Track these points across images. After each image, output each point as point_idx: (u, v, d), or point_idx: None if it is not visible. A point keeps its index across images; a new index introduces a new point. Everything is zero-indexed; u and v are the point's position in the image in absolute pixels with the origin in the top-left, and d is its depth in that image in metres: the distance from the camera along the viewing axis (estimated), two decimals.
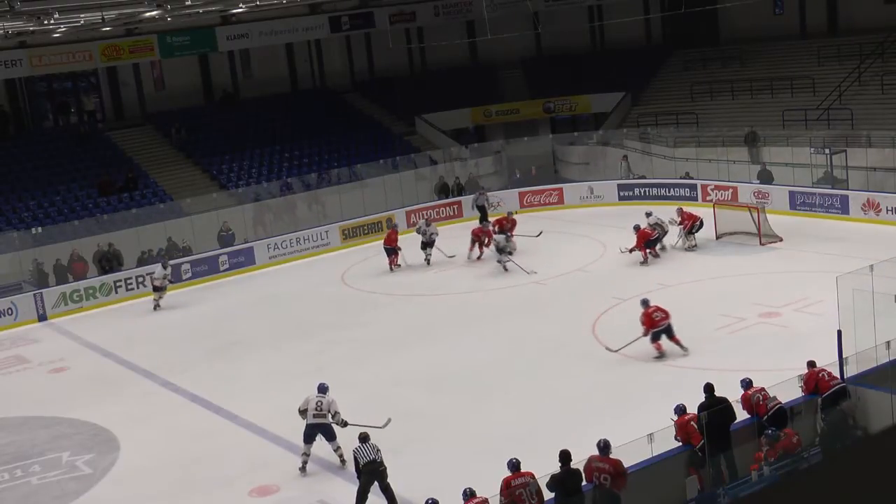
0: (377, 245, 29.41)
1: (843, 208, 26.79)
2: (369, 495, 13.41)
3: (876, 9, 34.78)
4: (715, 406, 12.81)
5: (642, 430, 12.47)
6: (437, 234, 27.16)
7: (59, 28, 29.83)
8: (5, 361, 22.83)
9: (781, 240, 24.95)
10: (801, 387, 13.55)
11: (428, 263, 26.87)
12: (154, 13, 29.67)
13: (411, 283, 25.63)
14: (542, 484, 11.60)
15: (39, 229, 29.07)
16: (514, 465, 11.84)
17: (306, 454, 15.04)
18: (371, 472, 13.36)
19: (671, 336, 17.99)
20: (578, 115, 40.08)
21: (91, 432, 17.66)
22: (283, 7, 35.05)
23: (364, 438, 13.71)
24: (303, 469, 15.05)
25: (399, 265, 26.94)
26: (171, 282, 25.88)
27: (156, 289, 25.65)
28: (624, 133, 36.18)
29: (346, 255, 29.53)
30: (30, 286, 26.88)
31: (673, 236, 25.53)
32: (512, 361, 18.90)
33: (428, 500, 11.33)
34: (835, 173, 28.45)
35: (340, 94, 40.01)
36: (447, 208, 32.85)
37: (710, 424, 12.41)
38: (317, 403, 15.04)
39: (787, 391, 13.35)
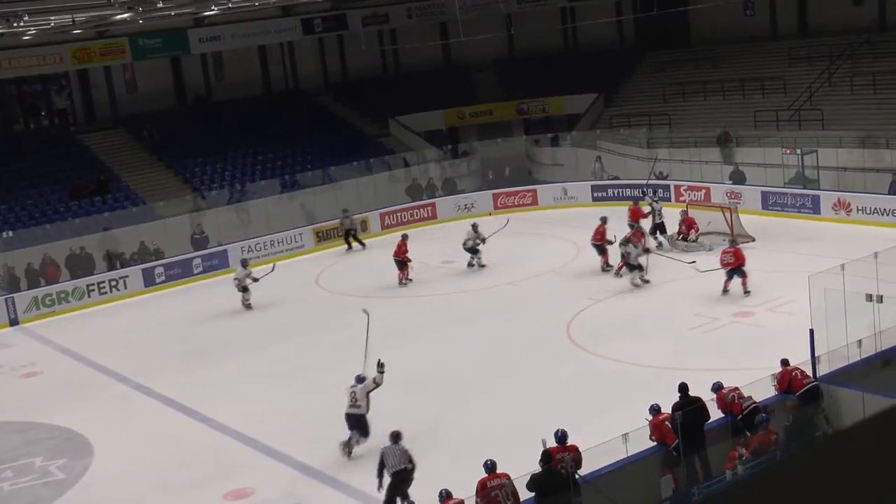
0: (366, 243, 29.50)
1: (814, 208, 27.05)
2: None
3: (845, 10, 35.12)
4: (689, 406, 12.88)
5: (617, 430, 12.52)
6: (481, 242, 25.96)
7: (30, 30, 29.60)
8: None
9: (754, 240, 25.12)
10: (775, 385, 13.66)
11: (475, 266, 25.85)
12: (125, 16, 29.52)
13: (387, 286, 25.58)
14: (519, 485, 11.63)
15: (10, 233, 28.82)
16: (490, 467, 11.86)
17: (354, 440, 15.10)
18: (402, 480, 13.08)
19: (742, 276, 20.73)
20: (552, 117, 40.19)
21: (64, 437, 17.54)
22: (255, 9, 34.95)
23: (396, 438, 13.40)
24: (348, 454, 15.07)
25: (410, 279, 25.51)
26: (254, 280, 24.62)
27: (243, 289, 24.58)
28: (597, 134, 36.34)
29: (320, 258, 29.47)
30: (1, 290, 26.64)
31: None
32: (488, 362, 18.93)
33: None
34: (806, 173, 28.71)
35: (313, 96, 39.92)
36: (421, 210, 32.86)
37: (684, 424, 12.48)
38: (350, 394, 15.21)
39: (761, 390, 13.44)
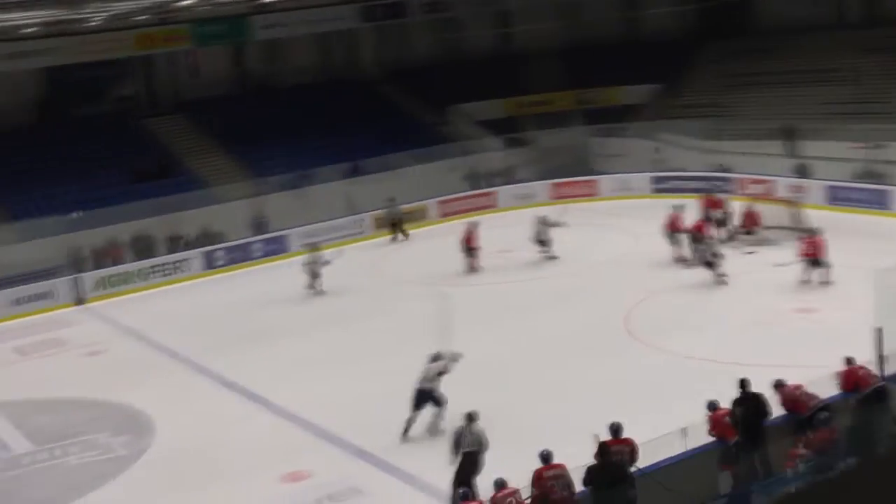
0: (410, 235, 29.58)
1: (883, 203, 26.51)
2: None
3: None
4: (749, 401, 12.73)
5: (675, 424, 12.43)
6: (549, 234, 25.71)
7: (95, 16, 30.08)
8: (43, 344, 23.14)
9: (818, 234, 24.69)
10: (839, 384, 13.42)
11: (549, 258, 25.59)
12: (188, 2, 29.89)
13: (445, 273, 25.56)
14: (575, 476, 11.59)
15: (79, 213, 29.38)
16: (546, 457, 11.83)
17: (411, 419, 15.37)
18: (472, 462, 13.13)
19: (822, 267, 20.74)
20: (612, 107, 39.81)
21: (127, 415, 17.88)
22: None
23: (472, 418, 13.44)
24: (433, 432, 15.35)
25: (481, 267, 25.49)
26: (325, 262, 24.79)
27: (315, 274, 24.69)
28: (658, 125, 35.94)
29: (377, 244, 29.60)
30: (67, 270, 27.16)
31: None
32: (544, 353, 18.88)
33: (459, 489, 11.36)
34: (875, 168, 28.13)
35: (373, 83, 40.03)
36: (480, 199, 32.83)
37: (744, 420, 12.35)
38: (427, 370, 15.55)
39: (823, 388, 13.23)
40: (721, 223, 25.45)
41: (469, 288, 24.23)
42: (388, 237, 30.19)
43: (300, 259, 25.40)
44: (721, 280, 21.80)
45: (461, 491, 11.81)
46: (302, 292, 24.72)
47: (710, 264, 22.01)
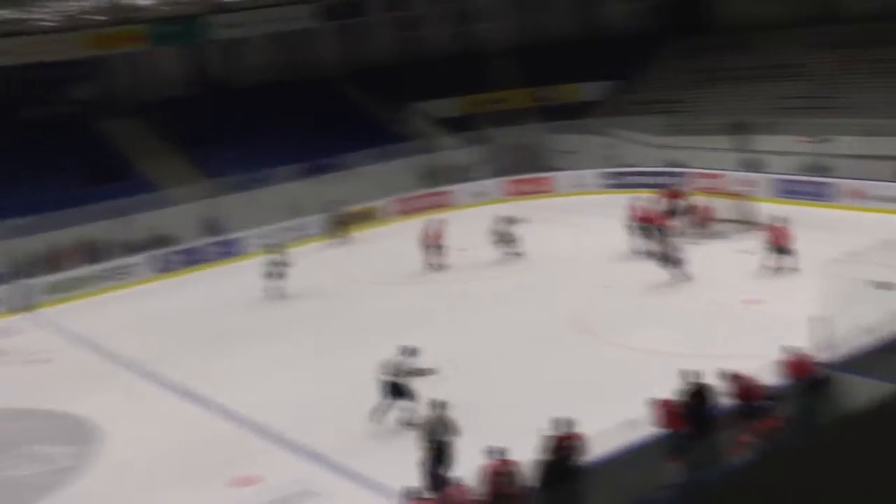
0: (367, 234, 29.51)
1: (829, 196, 26.84)
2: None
3: None
4: (697, 392, 12.83)
5: (625, 417, 12.47)
6: (513, 232, 25.64)
7: (50, 17, 29.75)
8: None
9: (766, 227, 24.92)
10: (783, 372, 13.58)
11: (515, 255, 25.43)
12: (146, 2, 29.64)
13: (399, 272, 25.58)
14: (527, 471, 11.63)
15: (24, 219, 28.93)
16: (497, 452, 11.85)
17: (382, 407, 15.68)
18: (441, 452, 13.32)
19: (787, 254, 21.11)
20: (568, 104, 39.98)
21: (74, 424, 17.63)
22: None
23: (441, 407, 13.63)
24: (406, 424, 15.48)
25: (444, 265, 25.39)
26: (285, 266, 24.57)
27: (279, 276, 24.36)
28: (613, 121, 36.14)
29: (334, 245, 29.49)
30: (14, 276, 26.77)
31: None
32: (498, 349, 18.90)
33: (405, 487, 11.36)
34: (822, 161, 28.49)
35: (331, 83, 39.90)
36: (436, 197, 32.84)
37: (691, 410, 12.44)
38: (395, 364, 15.71)
39: (769, 377, 13.37)
40: (683, 214, 25.63)
41: (424, 286, 24.21)
42: (333, 239, 29.79)
43: (260, 261, 25.04)
44: (683, 278, 21.66)
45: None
46: (258, 295, 24.53)
47: (673, 261, 21.77)
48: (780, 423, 12.62)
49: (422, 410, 14.53)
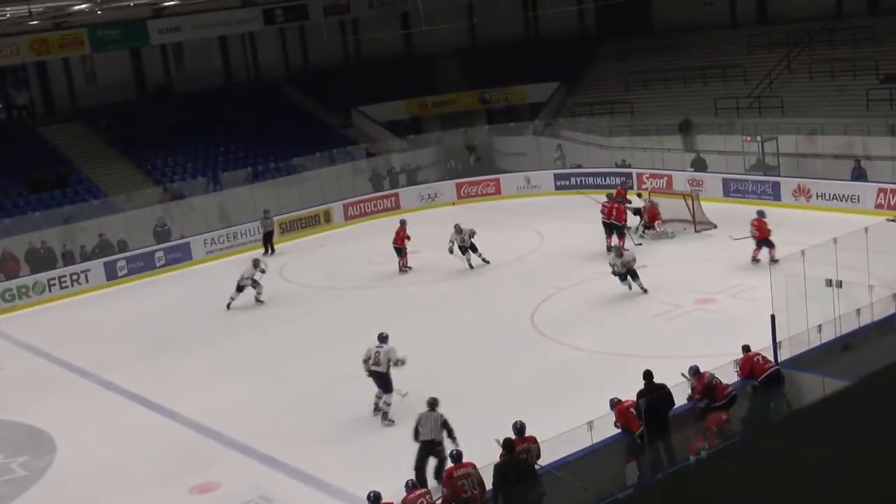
0: (315, 238, 29.29)
1: (774, 195, 27.30)
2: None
3: None
4: (654, 392, 12.96)
5: (582, 419, 12.57)
6: (468, 240, 24.45)
7: None
8: None
9: (716, 227, 25.30)
10: (737, 371, 13.77)
11: (471, 268, 24.33)
12: (83, 6, 29.20)
13: (351, 276, 25.53)
14: (485, 474, 11.66)
15: None
16: (456, 457, 11.88)
17: (378, 397, 15.80)
18: (428, 451, 13.34)
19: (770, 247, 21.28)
20: (514, 106, 40.26)
21: (26, 434, 17.35)
22: (215, 0, 34.68)
23: (432, 405, 13.63)
24: (375, 411, 15.81)
25: (410, 267, 25.07)
26: (262, 272, 23.76)
27: (253, 284, 23.53)
28: (559, 123, 36.44)
29: (283, 249, 29.32)
30: None
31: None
32: (451, 352, 18.92)
33: (370, 493, 11.34)
34: (766, 160, 28.98)
35: (275, 87, 39.71)
36: (384, 200, 32.81)
37: (648, 411, 12.56)
38: (374, 354, 15.61)
39: (724, 376, 13.55)
40: (637, 213, 25.87)
41: (374, 290, 24.18)
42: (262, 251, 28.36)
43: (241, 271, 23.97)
44: (641, 288, 20.78)
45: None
46: (208, 300, 24.30)
47: (632, 274, 20.84)
48: (725, 419, 12.81)
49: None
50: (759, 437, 2.85)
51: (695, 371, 13.24)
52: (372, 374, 15.72)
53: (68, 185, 31.85)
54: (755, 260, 21.68)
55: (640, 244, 24.40)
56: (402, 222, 25.70)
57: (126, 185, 32.47)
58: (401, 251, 25.10)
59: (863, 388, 2.54)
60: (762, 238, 21.73)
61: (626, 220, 24.63)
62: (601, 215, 24.64)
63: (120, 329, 23.40)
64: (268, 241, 28.92)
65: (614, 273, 20.77)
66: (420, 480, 12.68)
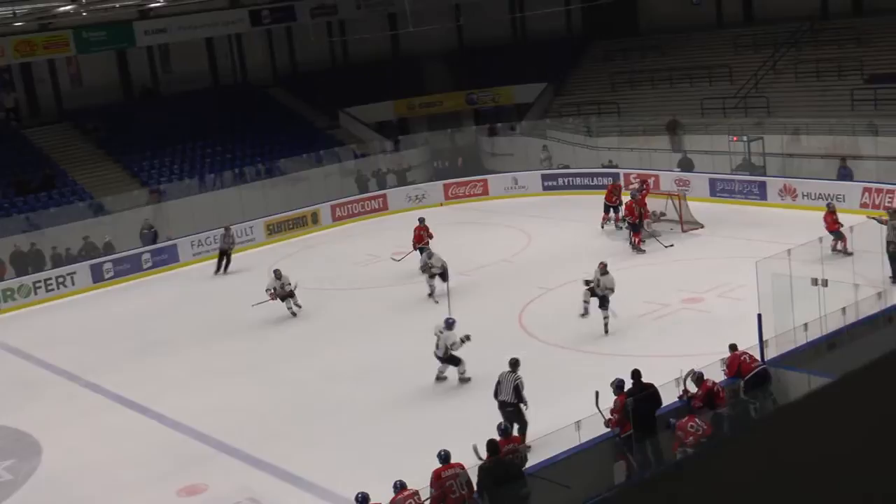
0: (302, 240, 29.24)
1: (761, 194, 27.39)
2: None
3: None
4: (642, 392, 12.98)
5: (570, 418, 12.59)
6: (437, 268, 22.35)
7: None
8: None
9: (703, 226, 25.39)
10: (724, 370, 13.81)
11: (431, 296, 22.29)
12: (68, 8, 29.09)
13: (338, 277, 25.50)
14: (473, 475, 11.66)
15: None
16: (445, 457, 11.87)
17: (440, 370, 17.09)
18: (506, 414, 13.90)
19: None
20: (501, 107, 40.29)
21: (12, 437, 17.27)
22: (202, 1, 34.59)
23: (513, 365, 14.39)
24: (438, 379, 17.10)
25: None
26: (289, 285, 22.34)
27: (285, 297, 22.29)
28: (546, 123, 36.48)
29: (270, 251, 29.27)
30: None
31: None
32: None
33: (358, 494, 11.33)
34: (752, 160, 29.07)
35: (262, 88, 39.64)
36: (372, 201, 32.79)
37: (636, 411, 12.58)
38: (436, 338, 16.78)
39: (711, 374, 13.59)
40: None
41: (363, 291, 24.12)
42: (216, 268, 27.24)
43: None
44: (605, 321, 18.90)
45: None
46: (197, 302, 24.24)
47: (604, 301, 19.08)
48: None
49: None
50: (745, 435, 2.86)
51: (698, 378, 13.18)
52: (439, 357, 16.81)
53: (54, 187, 31.73)
54: (836, 251, 21.14)
55: (672, 245, 24.11)
56: (421, 220, 24.83)
57: (112, 187, 32.37)
58: (424, 251, 23.41)
59: (847, 385, 2.55)
60: (833, 230, 21.48)
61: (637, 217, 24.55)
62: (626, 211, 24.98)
63: (107, 331, 23.32)
64: (223, 258, 27.13)
65: (594, 293, 18.83)
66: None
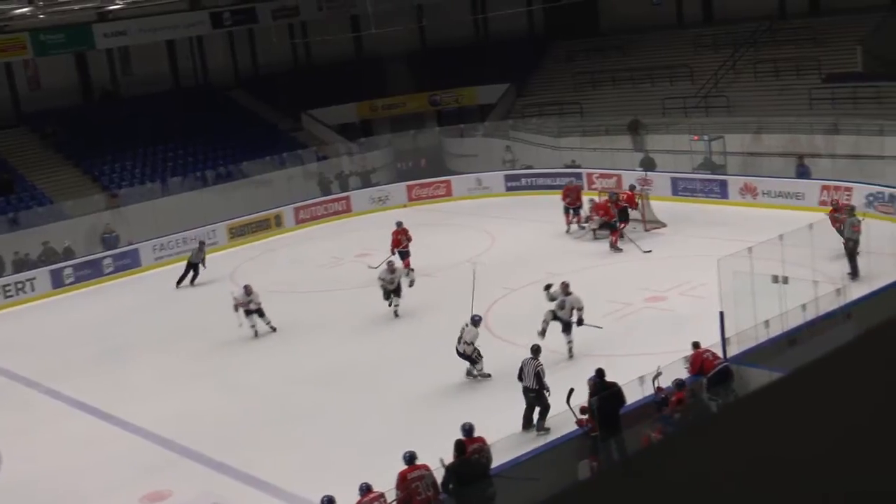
0: (265, 243, 29.08)
1: (722, 193, 27.61)
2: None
3: None
4: (606, 391, 13.03)
5: (534, 418, 12.60)
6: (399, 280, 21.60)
7: None
8: None
9: (665, 225, 25.54)
10: (687, 368, 13.89)
11: (396, 315, 21.34)
12: (25, 10, 28.75)
13: (302, 280, 25.38)
14: (438, 476, 11.65)
15: None
16: (410, 458, 11.85)
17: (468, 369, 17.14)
18: (528, 399, 14.24)
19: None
20: (464, 108, 40.31)
21: None
22: (162, 3, 34.31)
23: (535, 352, 14.74)
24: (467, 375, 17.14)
25: (412, 269, 23.38)
26: (258, 304, 21.15)
27: (256, 312, 21.16)
28: (509, 124, 36.55)
29: (233, 254, 29.10)
30: None
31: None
32: (403, 355, 18.90)
33: (323, 497, 11.27)
34: (713, 159, 29.29)
35: (224, 90, 39.38)
36: (335, 203, 32.69)
37: (601, 410, 12.63)
38: (459, 335, 16.77)
39: (675, 372, 13.67)
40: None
41: (326, 293, 24.03)
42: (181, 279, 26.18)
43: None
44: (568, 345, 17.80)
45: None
46: (157, 308, 24.00)
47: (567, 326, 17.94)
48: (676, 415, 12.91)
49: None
50: (702, 429, 2.86)
51: (679, 384, 13.22)
52: (459, 353, 16.77)
53: (12, 191, 31.31)
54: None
55: (650, 251, 23.90)
56: (399, 224, 24.54)
57: (72, 191, 32.01)
58: (405, 254, 23.45)
59: (801, 379, 2.56)
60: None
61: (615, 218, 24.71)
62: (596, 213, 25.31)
63: (67, 337, 23.04)
64: (190, 271, 26.14)
65: (556, 316, 17.56)
66: (524, 426, 13.95)
